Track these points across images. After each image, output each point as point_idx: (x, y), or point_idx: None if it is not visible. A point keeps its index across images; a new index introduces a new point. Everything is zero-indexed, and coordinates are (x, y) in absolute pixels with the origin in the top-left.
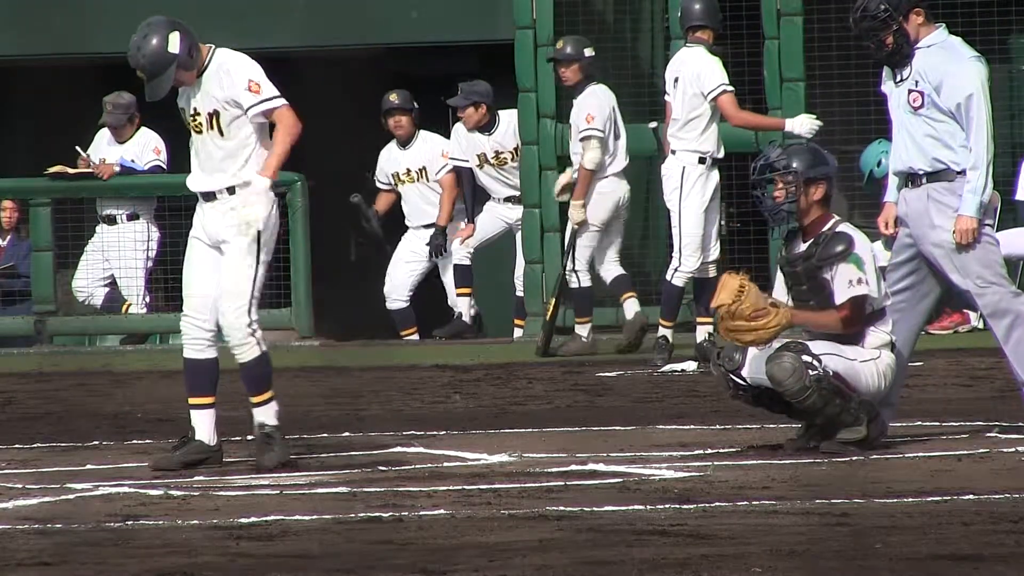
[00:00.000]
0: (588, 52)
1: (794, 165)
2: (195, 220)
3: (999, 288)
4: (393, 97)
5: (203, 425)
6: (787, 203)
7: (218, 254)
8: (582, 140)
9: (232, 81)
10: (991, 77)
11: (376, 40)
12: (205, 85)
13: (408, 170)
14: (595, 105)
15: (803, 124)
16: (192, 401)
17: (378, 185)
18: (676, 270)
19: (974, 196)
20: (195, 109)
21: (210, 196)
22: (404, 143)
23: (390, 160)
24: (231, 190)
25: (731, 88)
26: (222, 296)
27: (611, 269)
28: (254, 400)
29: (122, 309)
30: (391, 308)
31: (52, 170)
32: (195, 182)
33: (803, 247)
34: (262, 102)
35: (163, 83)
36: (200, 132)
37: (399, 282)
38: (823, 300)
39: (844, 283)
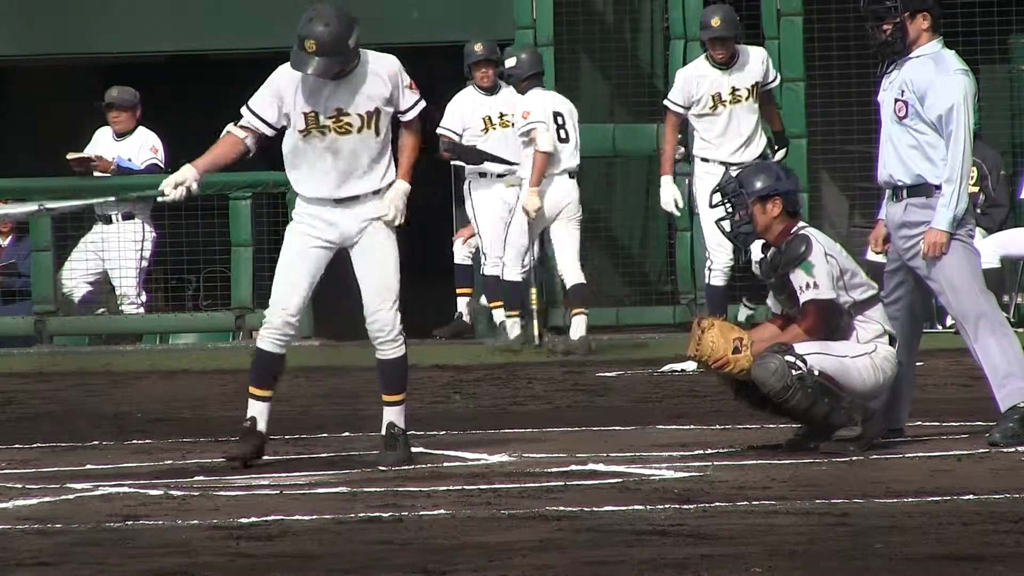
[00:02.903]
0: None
1: (744, 187)
2: (308, 221)
3: (970, 293)
4: (479, 47)
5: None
6: (744, 224)
7: (328, 256)
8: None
9: (395, 81)
10: (978, 89)
11: (376, 40)
12: (359, 84)
13: (501, 115)
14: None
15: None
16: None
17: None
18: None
19: (947, 210)
20: (337, 109)
21: (352, 200)
22: (490, 91)
23: (477, 106)
24: (376, 192)
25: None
26: (376, 293)
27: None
28: (389, 399)
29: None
30: (500, 275)
31: (72, 157)
32: (332, 188)
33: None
34: (416, 103)
35: (332, 65)
36: (347, 133)
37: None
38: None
39: (798, 290)
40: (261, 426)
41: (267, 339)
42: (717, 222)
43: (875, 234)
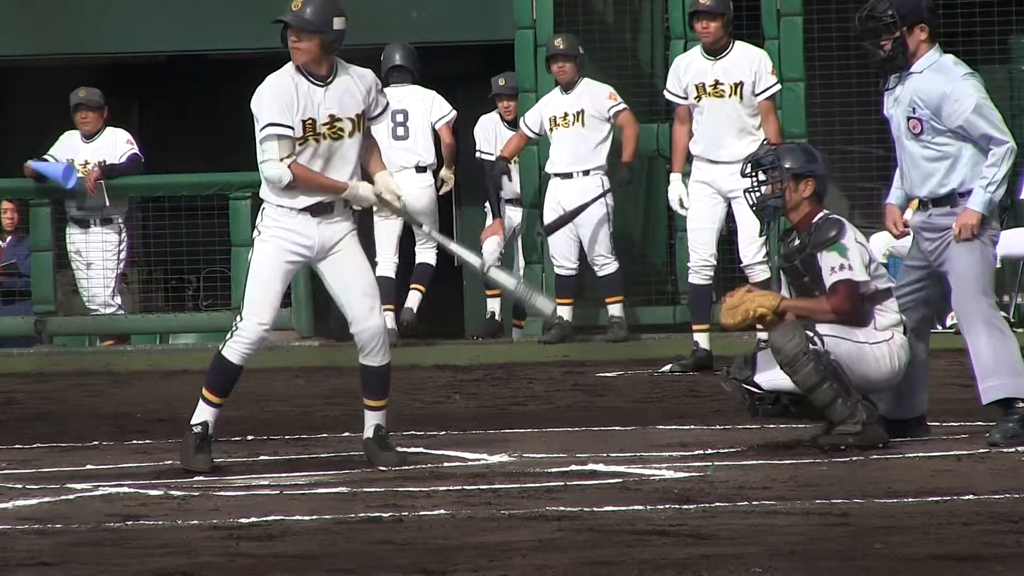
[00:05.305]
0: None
1: (781, 161)
2: (282, 235)
3: (974, 292)
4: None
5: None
6: (773, 198)
7: (296, 270)
8: None
9: (372, 86)
10: (988, 86)
11: (376, 40)
12: (345, 89)
13: (565, 114)
14: None
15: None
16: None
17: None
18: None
19: (983, 191)
20: (331, 116)
21: (328, 208)
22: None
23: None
24: (347, 202)
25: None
26: (363, 301)
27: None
28: (378, 404)
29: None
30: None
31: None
32: (315, 199)
33: (797, 242)
34: (387, 107)
35: (312, 23)
36: (339, 138)
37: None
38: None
39: (827, 271)
40: (211, 431)
41: (237, 350)
42: (745, 191)
43: (892, 218)
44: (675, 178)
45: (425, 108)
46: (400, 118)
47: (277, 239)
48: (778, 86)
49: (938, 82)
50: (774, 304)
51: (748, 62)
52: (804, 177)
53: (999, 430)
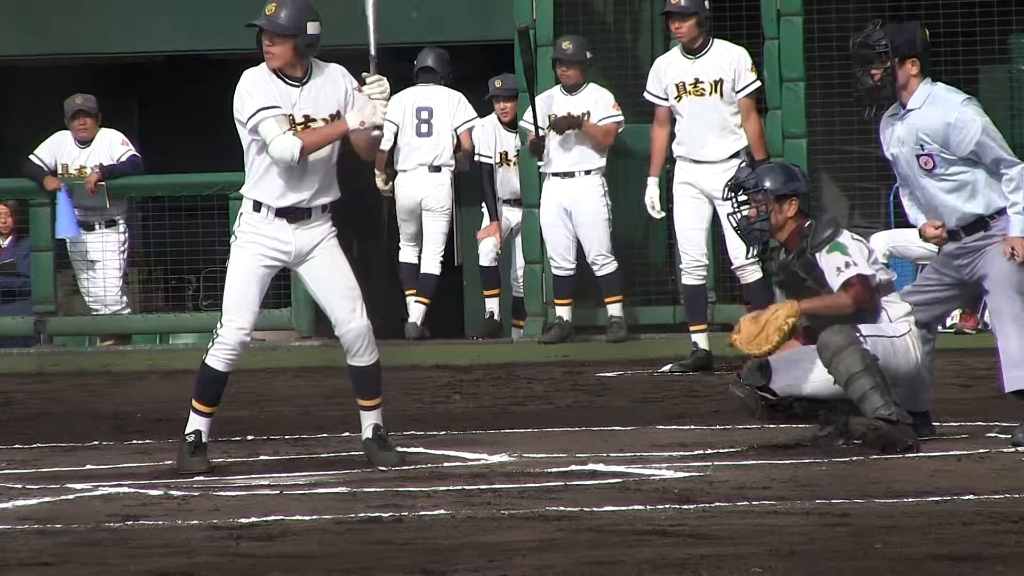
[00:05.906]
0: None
1: (764, 183)
2: (259, 240)
3: (1010, 294)
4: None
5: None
6: (759, 221)
7: (273, 274)
8: None
9: (345, 84)
10: (987, 87)
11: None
12: (320, 89)
13: (568, 114)
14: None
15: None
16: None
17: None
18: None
19: (1021, 217)
20: (305, 116)
21: (305, 214)
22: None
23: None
24: (325, 208)
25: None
26: (344, 302)
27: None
28: (372, 403)
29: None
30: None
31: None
32: (303, 197)
33: (790, 255)
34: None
35: (284, 28)
36: None
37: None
38: (831, 291)
39: (833, 272)
40: (205, 439)
41: (219, 357)
42: (728, 215)
43: (923, 229)
44: (652, 182)
45: (450, 109)
46: (425, 115)
47: (254, 244)
48: (757, 83)
49: (939, 114)
50: (794, 310)
51: (727, 60)
52: (787, 197)
53: (1023, 430)
